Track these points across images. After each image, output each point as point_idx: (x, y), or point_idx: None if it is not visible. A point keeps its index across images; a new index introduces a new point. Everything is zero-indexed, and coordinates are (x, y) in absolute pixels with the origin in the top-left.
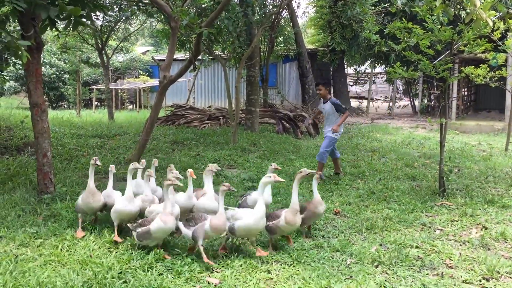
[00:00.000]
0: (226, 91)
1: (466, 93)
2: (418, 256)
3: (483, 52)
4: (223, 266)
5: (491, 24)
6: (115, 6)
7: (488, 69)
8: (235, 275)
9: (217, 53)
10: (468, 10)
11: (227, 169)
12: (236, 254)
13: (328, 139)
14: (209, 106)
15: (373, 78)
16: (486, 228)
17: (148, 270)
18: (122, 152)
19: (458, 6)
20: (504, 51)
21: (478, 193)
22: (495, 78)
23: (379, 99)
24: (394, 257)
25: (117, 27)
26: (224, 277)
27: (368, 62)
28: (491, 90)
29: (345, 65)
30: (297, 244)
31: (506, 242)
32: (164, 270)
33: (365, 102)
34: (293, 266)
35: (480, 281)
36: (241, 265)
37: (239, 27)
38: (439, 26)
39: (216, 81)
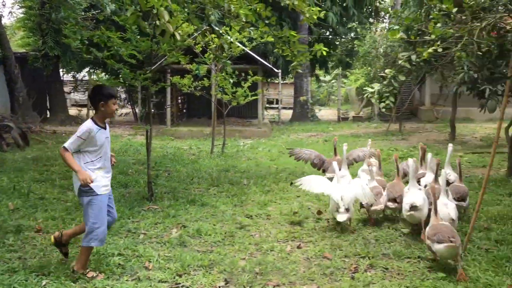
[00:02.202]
0: None
1: (180, 101)
2: (119, 264)
3: (188, 63)
4: None
5: (178, 37)
6: None
7: (192, 79)
8: None
9: None
10: (157, 23)
11: None
12: None
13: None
14: None
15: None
16: (185, 227)
17: None
18: None
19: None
20: (206, 63)
21: (183, 194)
22: (199, 88)
23: None
24: (95, 269)
25: None
26: None
27: (86, 69)
28: (201, 98)
29: (62, 71)
30: None
31: (201, 238)
32: None
33: (85, 110)
34: None
35: (174, 278)
36: None
37: None
38: (138, 36)
39: None
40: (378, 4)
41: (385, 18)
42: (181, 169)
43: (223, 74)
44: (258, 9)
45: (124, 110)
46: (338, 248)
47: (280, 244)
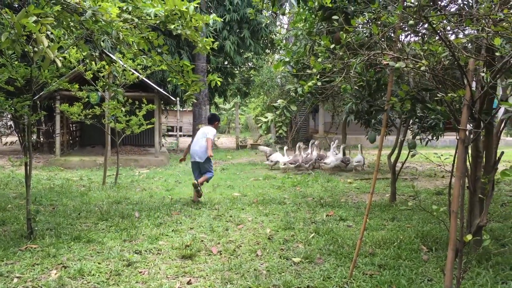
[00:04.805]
0: None
1: (73, 129)
2: None
3: (79, 90)
4: None
5: (59, 64)
6: None
7: (82, 106)
8: None
9: None
10: (36, 49)
11: None
12: None
13: None
14: None
15: None
16: (66, 267)
17: None
18: None
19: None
20: (98, 90)
21: (67, 230)
22: (90, 116)
23: None
24: None
25: None
26: None
27: None
28: (96, 126)
29: None
30: None
31: (83, 278)
32: None
33: None
34: None
35: None
36: None
37: None
38: (16, 62)
39: None
40: (274, 36)
41: (281, 50)
42: (68, 203)
43: (114, 102)
44: (150, 37)
45: (10, 139)
46: (229, 281)
47: (169, 280)
